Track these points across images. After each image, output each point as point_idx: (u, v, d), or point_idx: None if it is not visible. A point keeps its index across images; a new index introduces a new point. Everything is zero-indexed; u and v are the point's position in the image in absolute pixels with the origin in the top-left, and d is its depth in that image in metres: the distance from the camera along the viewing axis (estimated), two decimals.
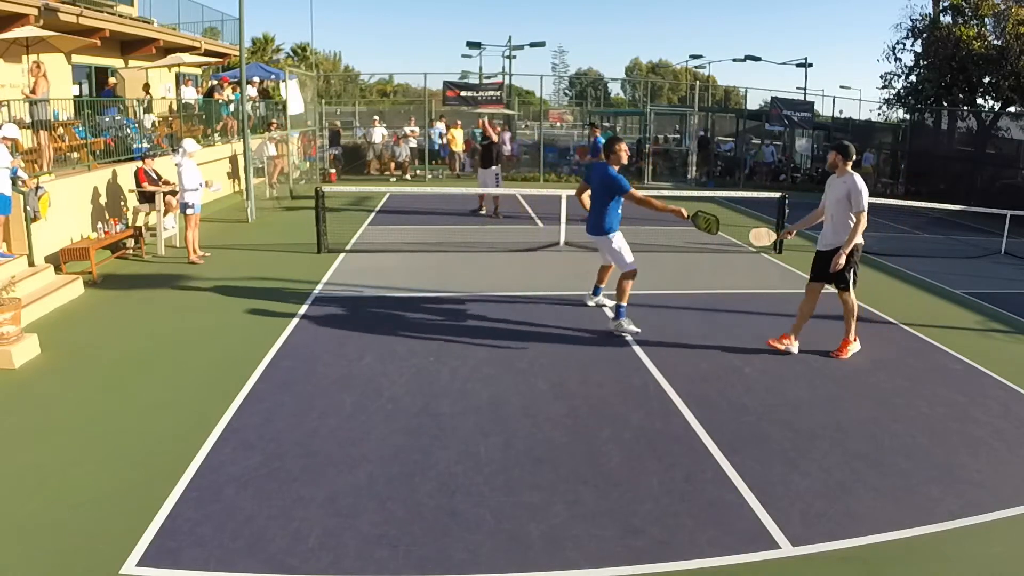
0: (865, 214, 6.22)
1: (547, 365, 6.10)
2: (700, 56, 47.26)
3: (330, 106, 26.99)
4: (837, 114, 25.52)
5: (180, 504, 3.90)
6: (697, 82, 26.29)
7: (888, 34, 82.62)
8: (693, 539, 3.75)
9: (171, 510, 3.84)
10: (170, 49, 18.84)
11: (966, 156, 21.97)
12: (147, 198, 10.50)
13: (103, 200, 10.33)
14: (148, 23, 17.93)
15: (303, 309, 7.53)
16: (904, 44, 23.41)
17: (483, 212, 14.33)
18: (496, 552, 3.59)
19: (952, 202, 15.53)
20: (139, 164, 10.61)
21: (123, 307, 7.59)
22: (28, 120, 9.86)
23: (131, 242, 10.03)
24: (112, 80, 16.21)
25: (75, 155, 10.82)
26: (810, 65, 31.82)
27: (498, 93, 21.77)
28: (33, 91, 10.03)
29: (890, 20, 79.28)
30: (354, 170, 21.08)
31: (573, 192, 12.92)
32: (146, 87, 16.20)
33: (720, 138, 26.01)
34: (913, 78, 23.36)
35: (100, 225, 9.64)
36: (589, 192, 7.17)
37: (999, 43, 20.52)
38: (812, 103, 24.62)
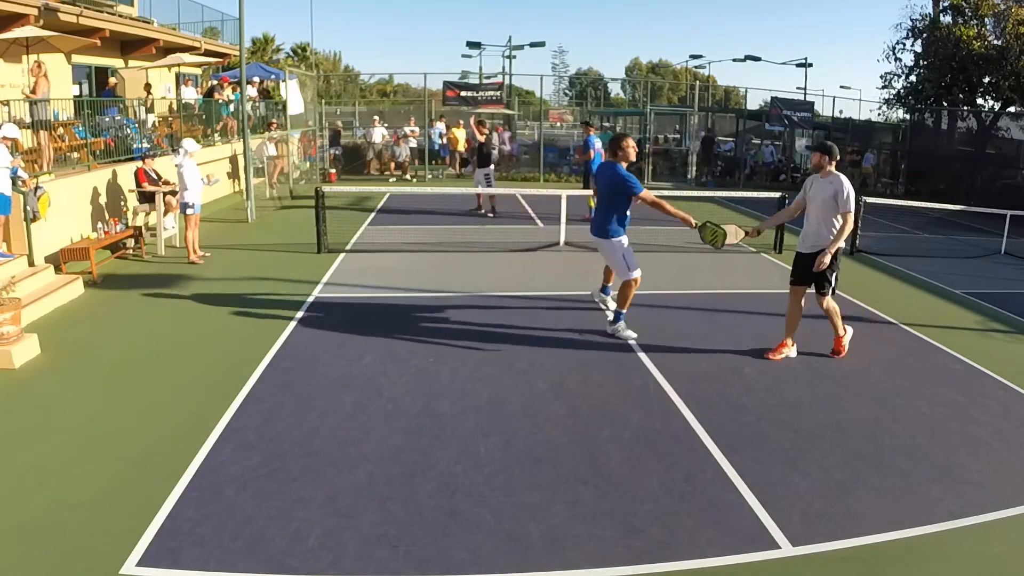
0: (852, 215, 6.16)
1: (547, 365, 6.10)
2: (700, 56, 47.30)
3: (330, 106, 26.98)
4: (837, 114, 25.52)
5: (180, 504, 3.90)
6: (697, 82, 26.30)
7: (888, 34, 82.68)
8: (693, 539, 3.75)
9: (171, 510, 3.84)
10: (170, 49, 18.84)
11: (966, 156, 21.98)
12: (147, 198, 10.50)
13: (103, 200, 10.33)
14: (148, 23, 17.93)
15: (303, 309, 7.53)
16: (904, 44, 23.45)
17: (481, 211, 14.43)
18: (496, 552, 3.59)
19: (952, 202, 15.53)
20: (139, 164, 10.62)
21: (123, 307, 7.59)
22: (28, 120, 9.86)
23: (131, 242, 10.03)
24: (112, 80, 16.21)
25: (75, 155, 10.82)
26: (810, 65, 31.84)
27: (498, 93, 21.78)
28: (33, 91, 10.03)
29: (890, 20, 79.34)
30: (354, 170, 21.08)
31: (573, 192, 13.08)
32: (147, 87, 16.20)
33: (720, 138, 26.01)
34: (913, 78, 23.37)
35: (100, 225, 9.64)
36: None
37: (999, 43, 20.53)
38: (812, 103, 24.63)
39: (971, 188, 19.41)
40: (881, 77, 24.34)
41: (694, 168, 22.22)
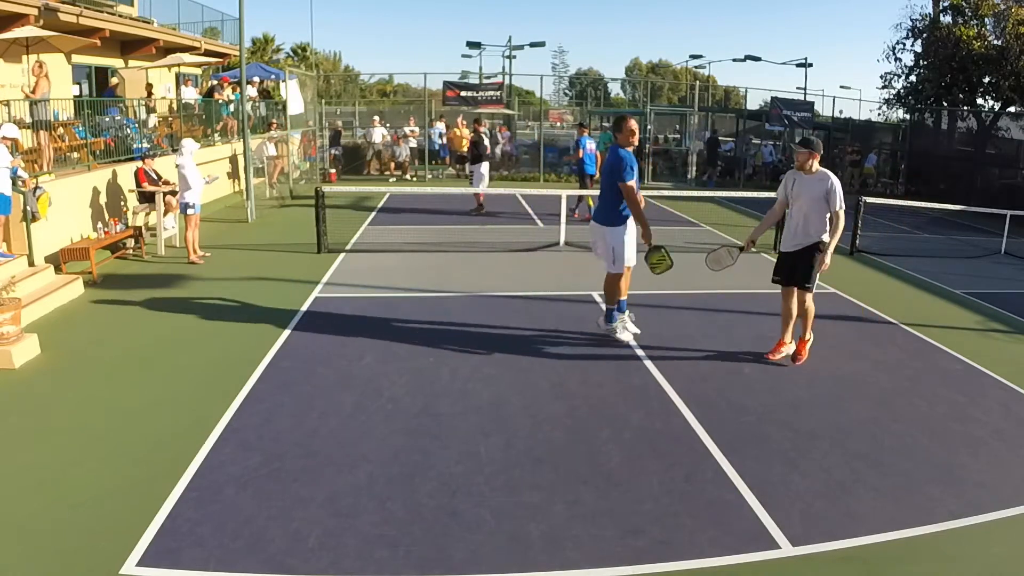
0: (843, 212, 5.98)
1: (547, 365, 6.10)
2: (700, 56, 47.29)
3: (330, 106, 26.97)
4: (837, 114, 25.53)
5: (180, 504, 3.90)
6: (697, 82, 26.31)
7: (888, 34, 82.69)
8: (693, 539, 3.75)
9: (171, 510, 3.84)
10: (170, 49, 18.85)
11: (966, 156, 21.98)
12: (147, 198, 10.50)
13: (103, 200, 10.33)
14: (148, 23, 17.93)
15: (303, 309, 7.53)
16: (904, 44, 23.45)
17: (482, 211, 14.54)
18: (496, 552, 3.59)
19: (952, 202, 15.53)
20: (139, 164, 10.62)
21: (123, 307, 7.59)
22: (28, 120, 9.86)
23: (131, 242, 10.03)
24: (114, 80, 16.22)
25: (75, 155, 10.82)
26: (810, 65, 31.88)
27: (498, 93, 21.79)
28: (34, 91, 10.04)
29: (890, 20, 79.32)
30: (354, 170, 21.08)
31: (573, 192, 13.07)
32: (148, 87, 16.20)
33: (720, 138, 26.01)
34: (913, 78, 23.38)
35: (100, 225, 9.64)
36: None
37: (999, 43, 20.53)
38: (812, 103, 24.64)
39: (971, 188, 19.41)
40: (881, 77, 24.37)
41: (694, 168, 22.22)
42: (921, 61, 22.98)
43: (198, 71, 22.77)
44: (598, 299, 7.82)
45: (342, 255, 10.18)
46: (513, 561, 3.52)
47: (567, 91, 68.51)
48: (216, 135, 16.02)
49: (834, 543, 3.74)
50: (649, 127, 23.24)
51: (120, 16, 16.52)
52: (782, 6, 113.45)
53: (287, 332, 6.77)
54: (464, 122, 16.89)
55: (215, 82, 19.79)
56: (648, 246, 6.31)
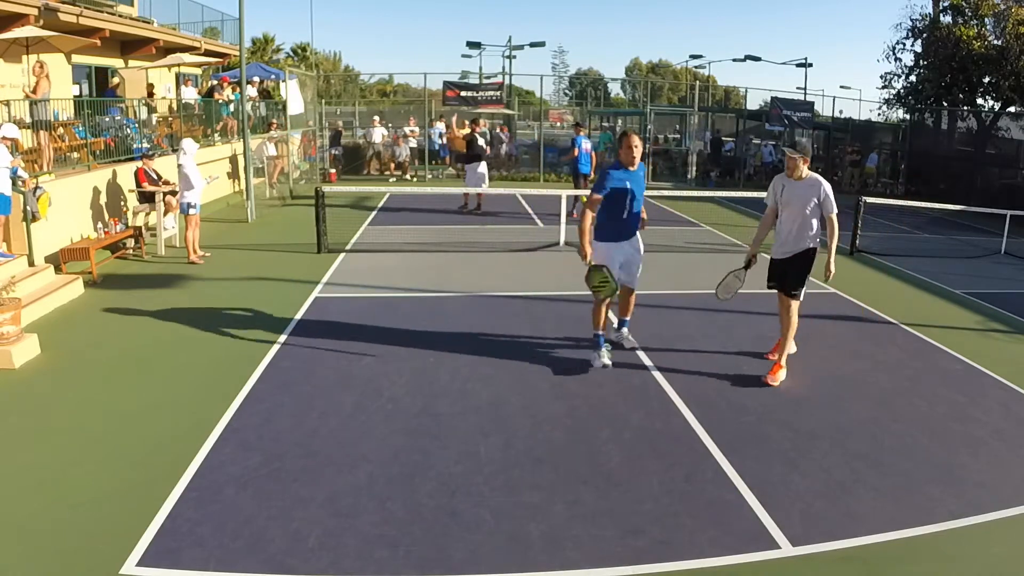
0: (836, 215, 5.80)
1: (547, 365, 6.10)
2: (700, 56, 47.29)
3: (330, 106, 26.98)
4: (837, 114, 25.52)
5: (180, 504, 3.90)
6: (697, 82, 26.30)
7: (888, 34, 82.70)
8: (693, 539, 3.75)
9: (171, 510, 3.84)
10: (170, 49, 18.84)
11: (966, 156, 21.98)
12: (147, 198, 10.50)
13: (103, 200, 10.33)
14: (148, 23, 17.93)
15: (303, 309, 7.53)
16: (904, 44, 23.45)
17: (466, 208, 14.69)
18: (496, 552, 3.59)
19: (952, 202, 15.53)
20: (139, 164, 10.62)
21: (123, 307, 7.59)
22: (28, 120, 9.86)
23: (131, 242, 10.03)
24: (115, 80, 16.22)
25: (75, 155, 10.82)
26: (810, 65, 31.86)
27: (498, 93, 21.78)
28: (34, 91, 10.04)
29: (890, 20, 79.31)
30: (354, 170, 21.07)
31: (572, 192, 13.08)
32: (150, 87, 16.20)
33: (721, 138, 26.03)
34: (913, 78, 23.37)
35: (100, 225, 9.64)
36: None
37: (999, 43, 20.52)
38: (812, 103, 24.64)
39: (971, 188, 19.41)
40: (881, 77, 24.37)
41: (694, 168, 22.22)
42: (921, 61, 22.98)
43: (198, 71, 22.77)
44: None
45: (342, 255, 10.18)
46: (513, 561, 3.52)
47: (567, 91, 68.57)
48: (216, 135, 16.02)
49: (834, 543, 3.74)
50: (649, 127, 23.26)
51: (120, 16, 16.52)
52: (782, 6, 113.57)
53: (287, 332, 6.77)
54: (463, 121, 16.92)
55: (215, 82, 19.79)
56: (586, 263, 5.76)
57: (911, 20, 23.02)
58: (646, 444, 4.77)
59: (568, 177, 20.74)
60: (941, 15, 22.48)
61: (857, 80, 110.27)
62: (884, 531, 3.85)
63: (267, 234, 11.65)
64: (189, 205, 9.48)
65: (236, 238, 11.25)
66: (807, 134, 24.27)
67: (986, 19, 21.11)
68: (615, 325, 6.68)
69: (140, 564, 3.41)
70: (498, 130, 23.45)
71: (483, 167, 14.53)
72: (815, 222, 5.84)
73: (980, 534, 3.89)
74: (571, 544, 3.67)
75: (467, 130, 15.15)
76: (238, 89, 15.86)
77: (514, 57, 33.02)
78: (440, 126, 22.30)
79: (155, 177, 10.61)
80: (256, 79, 20.32)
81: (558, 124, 32.37)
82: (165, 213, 10.29)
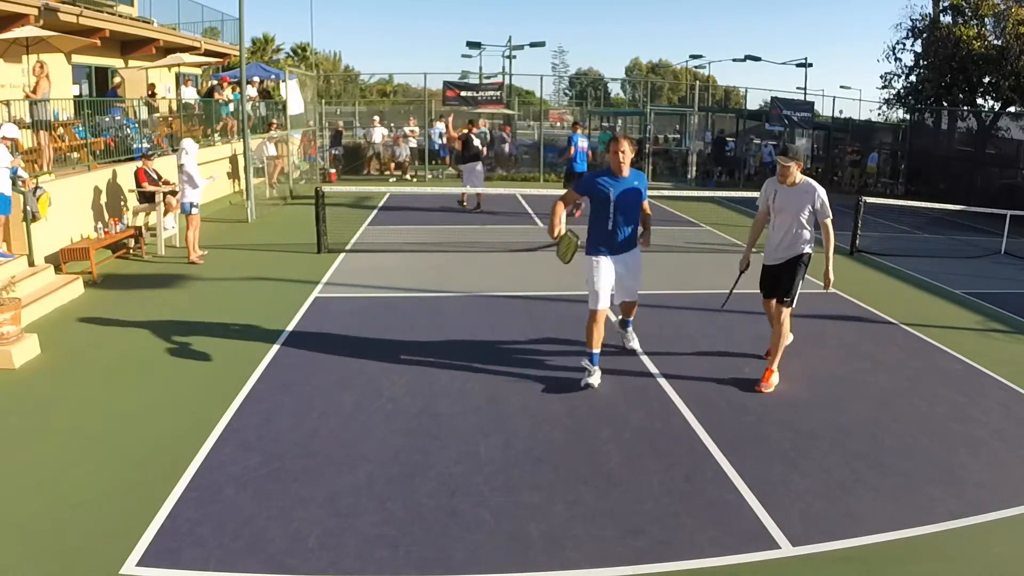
0: (832, 220, 5.63)
1: (547, 365, 6.10)
2: (700, 56, 47.25)
3: (330, 106, 26.98)
4: (837, 114, 25.52)
5: (180, 504, 3.90)
6: (697, 82, 26.30)
7: (888, 34, 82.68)
8: (693, 539, 3.75)
9: (171, 510, 3.84)
10: (170, 49, 18.85)
11: (966, 156, 21.98)
12: (147, 198, 10.50)
13: (103, 200, 10.33)
14: (148, 23, 17.93)
15: (303, 309, 7.53)
16: (904, 44, 23.45)
17: (465, 206, 14.75)
18: (496, 552, 3.59)
19: (952, 202, 15.53)
20: (139, 164, 10.62)
21: (123, 307, 7.59)
22: (28, 120, 9.86)
23: (131, 242, 10.04)
24: (116, 80, 16.23)
25: (75, 155, 10.82)
26: (810, 65, 31.85)
27: (498, 93, 21.78)
28: (34, 91, 10.04)
29: (890, 20, 79.31)
30: (354, 170, 21.07)
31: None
32: (151, 87, 16.20)
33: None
34: (913, 78, 23.37)
35: (100, 225, 9.64)
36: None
37: (999, 43, 20.52)
38: (812, 103, 24.63)
39: (971, 188, 19.41)
40: (881, 77, 24.37)
41: (694, 168, 22.21)
42: (921, 61, 22.98)
43: (198, 71, 22.76)
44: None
45: (342, 255, 10.18)
46: (513, 561, 3.52)
47: (567, 91, 68.60)
48: (216, 135, 16.02)
49: (834, 543, 3.74)
50: (649, 127, 23.26)
51: (120, 16, 16.52)
52: (782, 6, 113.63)
53: (287, 332, 6.77)
54: (465, 122, 16.91)
55: (215, 82, 19.79)
56: (554, 237, 5.55)
57: (911, 20, 23.04)
58: (646, 444, 4.77)
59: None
60: (941, 15, 22.48)
61: (857, 80, 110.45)
62: (884, 531, 3.85)
63: (267, 234, 11.65)
64: (192, 205, 9.49)
65: (236, 238, 11.25)
66: (807, 134, 24.29)
67: (986, 19, 21.11)
68: (616, 326, 6.59)
69: (140, 564, 3.41)
70: (499, 130, 23.45)
71: (479, 167, 14.59)
72: (809, 228, 5.66)
73: (980, 534, 3.89)
74: (571, 544, 3.67)
75: (464, 130, 15.18)
76: (238, 89, 15.86)
77: (514, 57, 33.06)
78: (440, 126, 22.31)
79: (155, 177, 10.61)
80: (256, 79, 20.32)
81: (558, 124, 32.39)
82: (165, 213, 10.29)
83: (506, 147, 22.35)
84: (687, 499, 4.13)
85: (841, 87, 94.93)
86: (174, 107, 15.85)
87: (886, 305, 8.45)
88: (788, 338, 5.93)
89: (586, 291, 5.75)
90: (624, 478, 4.32)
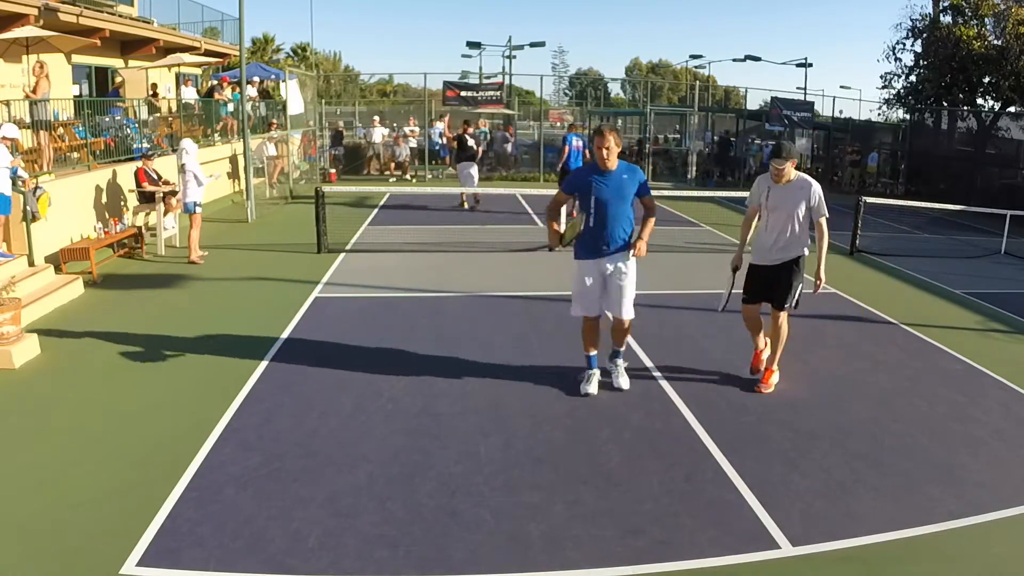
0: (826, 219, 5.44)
1: (546, 365, 6.10)
2: (700, 56, 47.25)
3: (330, 106, 26.97)
4: (837, 114, 25.53)
5: (180, 504, 3.90)
6: (697, 82, 26.30)
7: (888, 34, 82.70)
8: (693, 539, 3.75)
9: (171, 510, 3.84)
10: (170, 49, 18.84)
11: (966, 156, 21.98)
12: (147, 198, 10.50)
13: (103, 200, 10.33)
14: (148, 23, 17.93)
15: (303, 309, 7.53)
16: (904, 44, 23.45)
17: (476, 204, 14.75)
18: (496, 552, 3.59)
19: (952, 202, 15.53)
20: (139, 164, 10.62)
21: (123, 307, 7.59)
22: (28, 120, 9.86)
23: (131, 242, 10.03)
24: (118, 79, 16.23)
25: (75, 155, 10.82)
26: (810, 65, 31.85)
27: (498, 93, 21.78)
28: (34, 91, 10.04)
29: (890, 20, 79.31)
30: (354, 170, 21.06)
31: None
32: (154, 87, 16.20)
33: (720, 138, 26.01)
34: (913, 78, 23.38)
35: (100, 225, 9.64)
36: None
37: (999, 43, 20.53)
38: (812, 103, 24.64)
39: (971, 188, 19.42)
40: (881, 77, 24.37)
41: (694, 168, 22.21)
42: (921, 61, 22.98)
43: (198, 71, 22.76)
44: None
45: (342, 255, 10.18)
46: (513, 561, 3.52)
47: (567, 91, 68.56)
48: (216, 135, 16.02)
49: (834, 543, 3.74)
50: (649, 127, 23.27)
51: (120, 16, 16.52)
52: (782, 6, 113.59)
53: (287, 332, 6.77)
54: (468, 123, 16.84)
55: (215, 82, 19.79)
56: (560, 236, 5.27)
57: (911, 20, 23.06)
58: (646, 444, 4.77)
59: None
60: (941, 15, 22.48)
61: (857, 80, 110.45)
62: (884, 531, 3.85)
63: (267, 234, 11.65)
64: (196, 204, 9.48)
65: (236, 238, 11.25)
66: (807, 134, 24.29)
67: (986, 19, 21.11)
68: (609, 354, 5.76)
69: (140, 564, 3.41)
70: (500, 130, 23.43)
71: (472, 169, 14.63)
72: (805, 228, 5.40)
73: (980, 534, 3.88)
74: (571, 544, 3.67)
75: (460, 131, 15.24)
76: (238, 89, 15.86)
77: (514, 57, 33.08)
78: (440, 126, 22.31)
79: (155, 177, 10.61)
80: (256, 79, 20.32)
81: (558, 124, 32.38)
82: (165, 213, 10.29)
83: (508, 147, 22.34)
84: (687, 499, 4.13)
85: (841, 87, 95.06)
86: (174, 107, 15.85)
87: (886, 305, 8.44)
88: (782, 339, 5.71)
89: None
90: (624, 478, 4.32)
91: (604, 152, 5.09)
